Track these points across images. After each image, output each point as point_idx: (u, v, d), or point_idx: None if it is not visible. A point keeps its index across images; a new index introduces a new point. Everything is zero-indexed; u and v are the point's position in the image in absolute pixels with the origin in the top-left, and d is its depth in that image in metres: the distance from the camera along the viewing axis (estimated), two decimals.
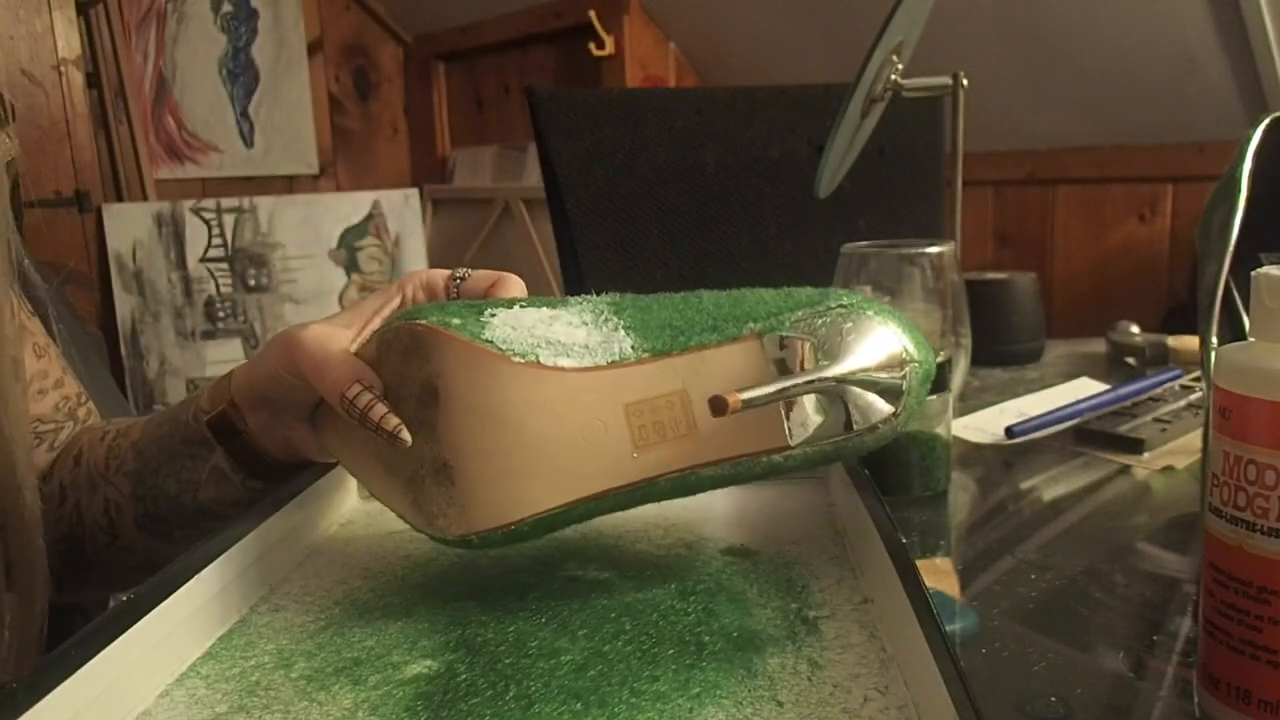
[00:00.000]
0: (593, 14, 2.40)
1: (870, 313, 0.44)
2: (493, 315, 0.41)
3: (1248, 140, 0.55)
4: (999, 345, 1.03)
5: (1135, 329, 1.07)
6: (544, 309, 0.42)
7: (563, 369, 0.40)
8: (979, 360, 0.92)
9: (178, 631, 0.38)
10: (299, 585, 0.45)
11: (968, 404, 0.87)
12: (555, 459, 0.40)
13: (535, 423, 0.39)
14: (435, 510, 0.40)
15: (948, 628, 0.41)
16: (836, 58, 1.99)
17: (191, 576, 0.39)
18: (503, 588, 0.44)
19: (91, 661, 0.32)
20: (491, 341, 0.40)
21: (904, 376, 0.43)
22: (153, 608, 0.36)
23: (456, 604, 0.42)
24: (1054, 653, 0.44)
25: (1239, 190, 0.53)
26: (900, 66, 0.86)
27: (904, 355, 0.43)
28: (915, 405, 0.44)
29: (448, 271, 0.49)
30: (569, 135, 1.16)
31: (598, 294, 0.44)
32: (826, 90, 1.27)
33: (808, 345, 0.42)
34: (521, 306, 0.42)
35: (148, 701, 0.35)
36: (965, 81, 0.90)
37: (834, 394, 0.43)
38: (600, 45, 2.40)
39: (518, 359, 0.40)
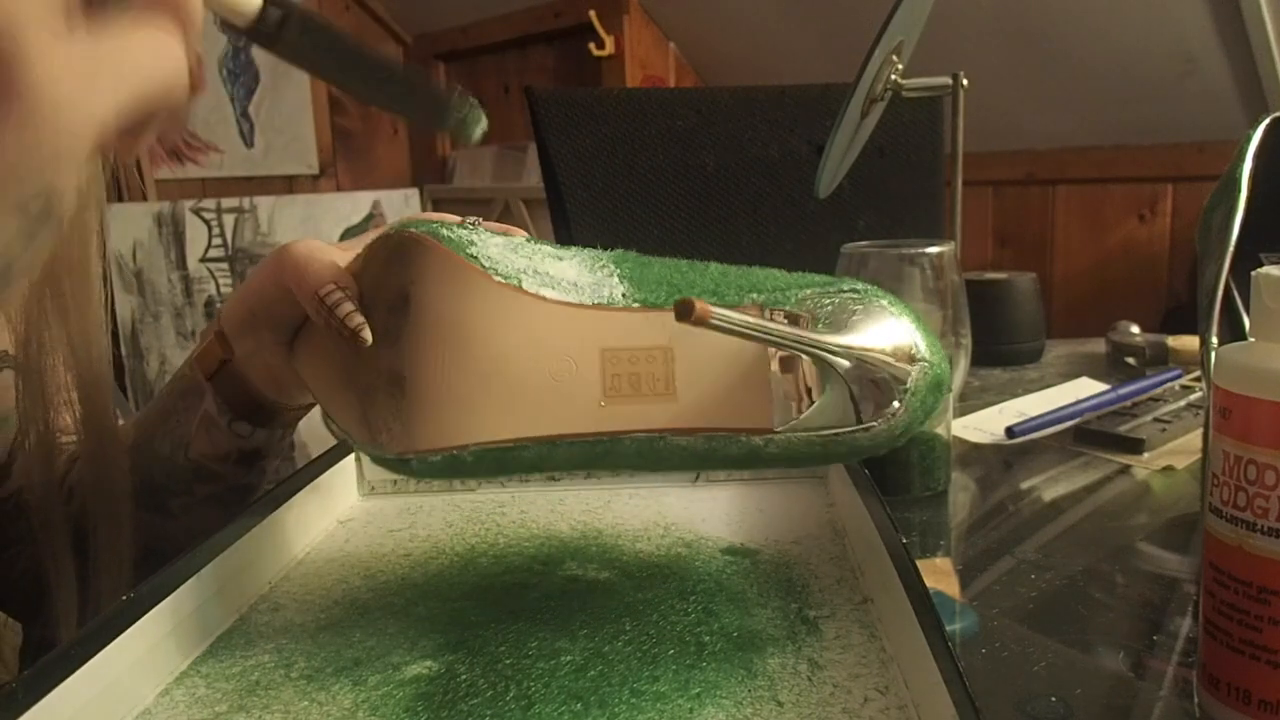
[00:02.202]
0: (593, 14, 2.40)
1: (884, 302, 0.41)
2: (488, 236, 0.39)
3: (1248, 140, 0.55)
4: (999, 345, 1.03)
5: (1135, 329, 1.07)
6: (544, 245, 0.40)
7: (544, 298, 0.38)
8: (979, 360, 0.92)
9: (178, 630, 0.38)
10: (298, 584, 0.45)
11: (968, 404, 0.87)
12: (514, 389, 0.37)
13: (501, 347, 0.37)
14: (380, 425, 0.38)
15: (948, 628, 0.41)
16: (836, 58, 1.99)
17: (191, 575, 0.39)
18: (503, 588, 0.44)
19: (91, 661, 0.32)
20: (476, 258, 0.38)
21: (910, 373, 0.39)
22: (152, 607, 0.36)
23: (456, 604, 0.42)
24: (1054, 653, 0.44)
25: (1239, 190, 0.53)
26: (900, 66, 0.86)
27: (913, 351, 0.39)
28: (920, 411, 0.40)
29: (459, 218, 0.49)
30: (569, 135, 1.16)
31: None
32: (826, 90, 1.27)
33: (809, 320, 0.39)
34: (525, 240, 0.40)
35: (147, 701, 0.35)
36: (965, 81, 0.90)
37: (827, 373, 0.39)
38: (600, 45, 2.40)
39: (499, 279, 0.38)
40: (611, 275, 0.39)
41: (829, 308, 0.39)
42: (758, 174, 1.25)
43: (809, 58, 2.11)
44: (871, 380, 0.39)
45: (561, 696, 0.34)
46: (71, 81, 0.26)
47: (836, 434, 0.39)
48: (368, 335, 0.38)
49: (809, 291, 0.40)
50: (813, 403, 0.39)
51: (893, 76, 0.86)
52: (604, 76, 2.46)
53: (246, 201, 2.54)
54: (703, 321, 0.33)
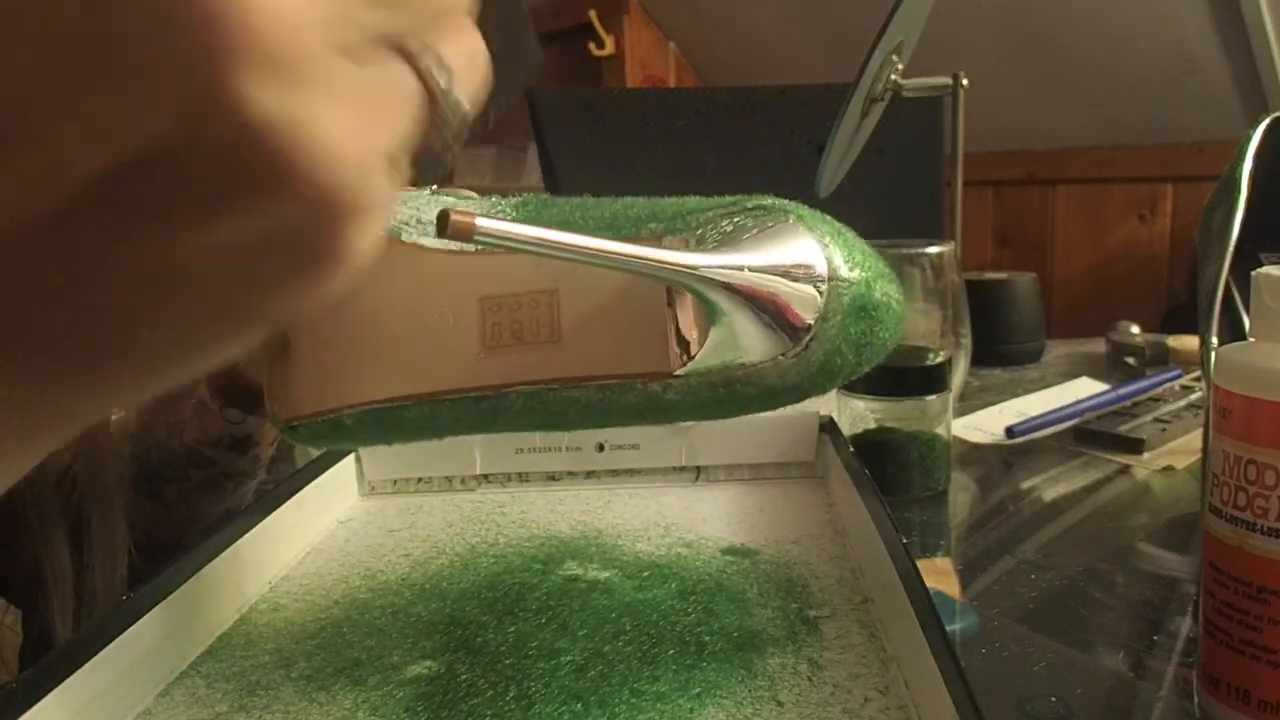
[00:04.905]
0: (593, 14, 2.40)
1: (792, 217, 0.35)
2: None
3: (1248, 140, 0.55)
4: (999, 345, 1.03)
5: (1135, 329, 1.07)
6: (446, 195, 0.38)
7: (421, 247, 0.36)
8: (979, 360, 0.92)
9: (178, 630, 0.38)
10: (298, 584, 0.45)
11: (968, 404, 0.86)
12: (390, 346, 0.36)
13: (375, 302, 0.36)
14: (274, 394, 0.37)
15: (948, 628, 0.41)
16: (836, 58, 1.99)
17: (191, 576, 0.39)
18: (503, 588, 0.43)
19: (91, 661, 0.32)
20: None
21: (817, 295, 0.34)
22: (152, 606, 0.36)
23: (456, 604, 0.42)
24: (1054, 653, 0.44)
25: (1239, 190, 0.53)
26: (900, 66, 0.86)
27: (823, 268, 0.34)
28: (841, 342, 0.34)
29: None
30: (569, 135, 1.16)
31: None
32: (826, 90, 1.27)
33: (692, 241, 0.35)
34: (427, 192, 0.38)
35: (148, 701, 0.35)
36: (965, 81, 0.90)
37: (716, 305, 0.33)
38: (600, 45, 2.40)
39: None
40: (504, 219, 0.37)
41: (728, 228, 0.35)
42: (758, 174, 1.24)
43: (809, 58, 2.11)
44: (773, 308, 0.34)
45: (561, 696, 0.34)
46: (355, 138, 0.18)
47: (739, 373, 0.35)
48: None
49: (710, 214, 0.36)
50: (713, 341, 0.34)
51: (893, 76, 0.86)
52: (604, 76, 2.46)
53: None
54: (465, 235, 0.28)
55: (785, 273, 0.34)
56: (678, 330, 0.35)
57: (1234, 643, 0.34)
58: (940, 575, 0.53)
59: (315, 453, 0.55)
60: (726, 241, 0.34)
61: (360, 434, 0.37)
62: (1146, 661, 0.43)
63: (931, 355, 0.63)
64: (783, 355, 0.34)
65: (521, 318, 0.36)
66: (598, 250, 0.31)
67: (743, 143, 1.24)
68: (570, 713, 0.33)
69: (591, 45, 2.42)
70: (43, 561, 0.52)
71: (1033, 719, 0.39)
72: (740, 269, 0.33)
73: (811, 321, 0.34)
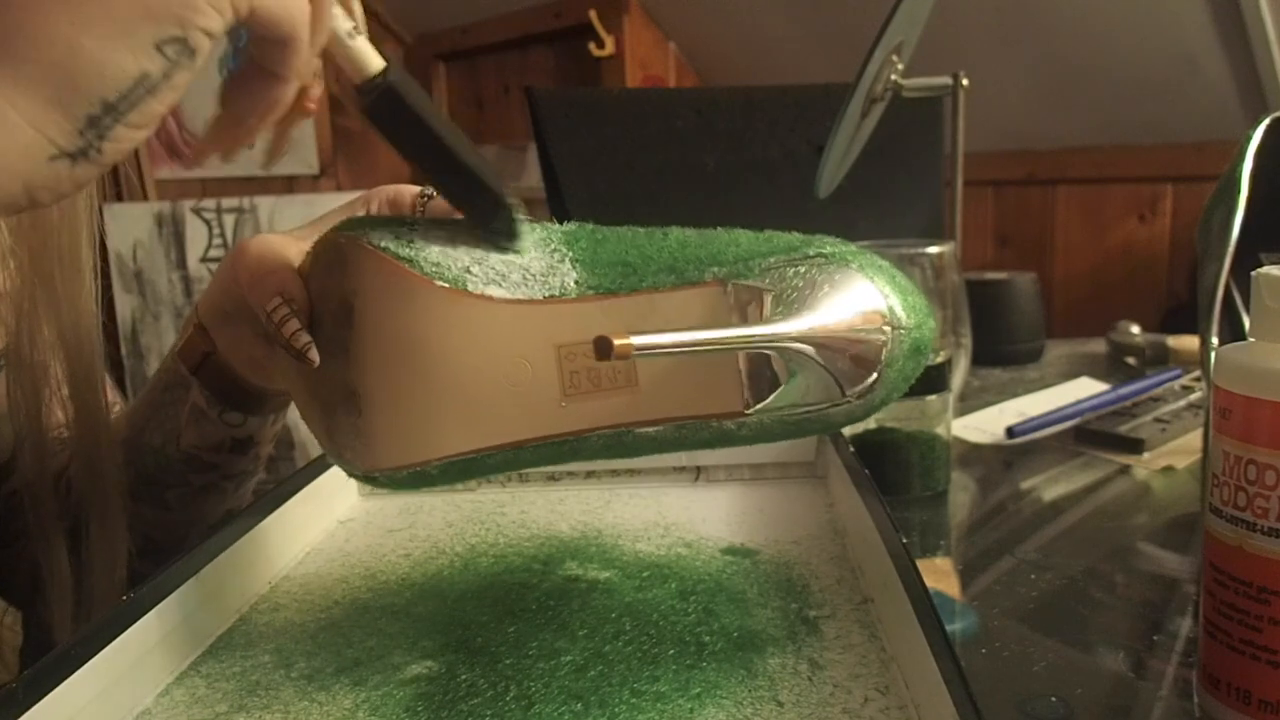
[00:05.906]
0: (593, 14, 2.40)
1: (854, 266, 0.38)
2: (430, 232, 0.37)
3: (1248, 140, 0.55)
4: (999, 345, 1.03)
5: (1135, 329, 1.07)
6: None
7: (491, 298, 0.36)
8: (979, 360, 0.92)
9: (178, 630, 0.38)
10: (299, 584, 0.45)
11: (968, 404, 0.87)
12: (471, 398, 0.36)
13: (452, 355, 0.35)
14: (343, 441, 0.37)
15: (948, 628, 0.41)
16: (836, 58, 1.99)
17: (191, 575, 0.39)
18: (503, 587, 0.44)
19: (91, 661, 0.32)
20: (414, 260, 0.36)
21: (884, 344, 0.37)
22: (152, 606, 0.36)
23: (456, 604, 0.42)
24: (1054, 653, 0.44)
25: (1239, 190, 0.53)
26: (900, 66, 0.86)
27: (887, 318, 0.37)
28: (899, 380, 0.38)
29: (417, 189, 0.47)
30: (569, 135, 1.16)
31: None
32: (826, 90, 1.27)
33: (769, 297, 0.37)
34: (470, 227, 0.38)
35: (147, 701, 0.35)
36: (965, 81, 0.90)
37: (791, 356, 0.37)
38: (600, 45, 2.40)
39: (441, 283, 0.35)
40: (563, 260, 0.37)
41: (795, 279, 0.37)
42: (758, 174, 1.24)
43: (809, 58, 2.11)
44: (843, 355, 0.37)
45: (561, 696, 0.34)
46: None
47: (809, 412, 0.38)
48: (315, 356, 0.37)
49: (773, 260, 0.38)
50: (784, 383, 0.37)
51: (893, 76, 0.86)
52: (604, 77, 2.46)
53: (247, 201, 2.54)
54: (625, 356, 0.31)
55: (857, 328, 0.37)
56: (749, 373, 0.37)
57: (1234, 643, 0.34)
58: (940, 575, 0.53)
59: (315, 453, 0.55)
60: (804, 302, 0.37)
61: (441, 479, 0.37)
62: (1146, 661, 0.43)
63: (932, 355, 0.63)
64: (850, 398, 0.38)
65: (598, 364, 0.36)
66: (727, 339, 0.34)
67: (743, 143, 1.24)
68: (570, 713, 0.33)
69: (591, 45, 2.41)
70: (40, 563, 0.51)
71: (1033, 719, 0.39)
72: (826, 334, 0.36)
73: (878, 368, 0.38)
